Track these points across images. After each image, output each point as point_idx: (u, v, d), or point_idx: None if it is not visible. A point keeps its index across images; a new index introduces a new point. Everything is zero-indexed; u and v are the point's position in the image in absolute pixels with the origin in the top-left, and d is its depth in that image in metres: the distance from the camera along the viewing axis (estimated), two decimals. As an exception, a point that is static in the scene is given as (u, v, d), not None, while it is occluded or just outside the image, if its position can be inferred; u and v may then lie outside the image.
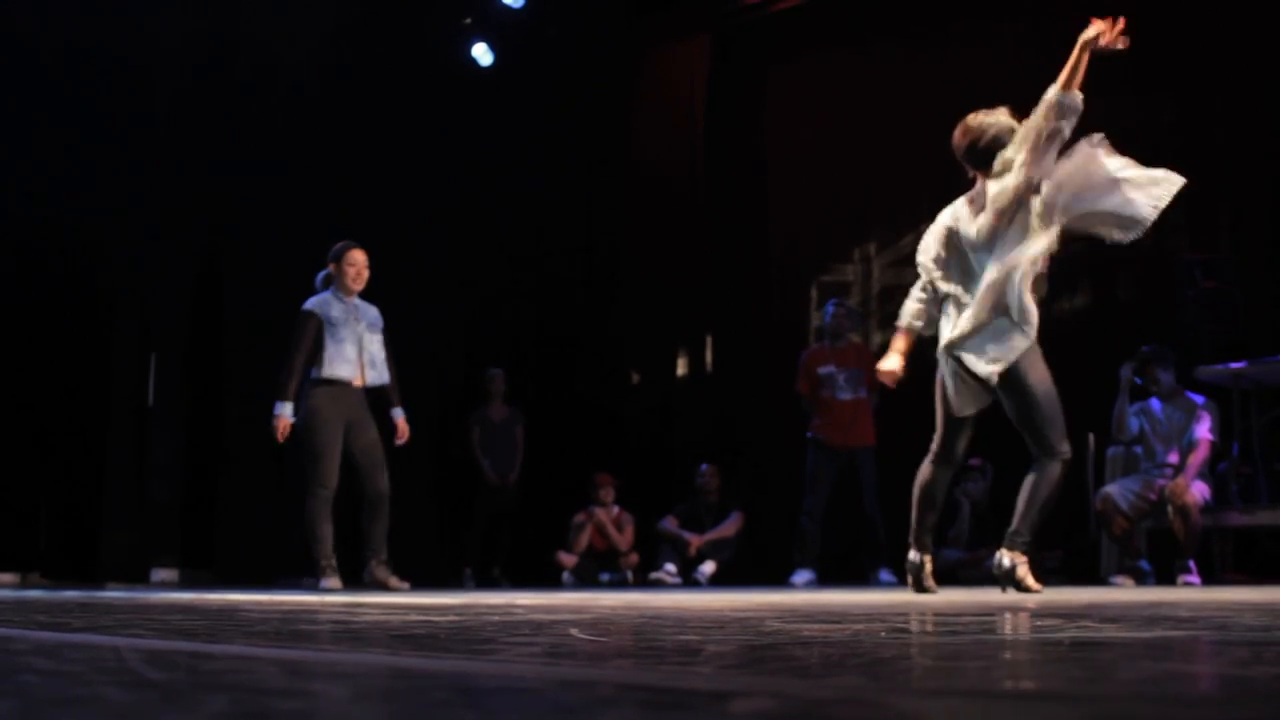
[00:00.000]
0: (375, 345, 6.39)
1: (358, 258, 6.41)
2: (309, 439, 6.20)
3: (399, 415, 6.54)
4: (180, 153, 8.63)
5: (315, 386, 6.22)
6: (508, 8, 9.92)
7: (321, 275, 6.50)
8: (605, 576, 8.97)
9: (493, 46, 10.19)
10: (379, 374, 6.39)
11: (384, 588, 6.11)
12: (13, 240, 8.20)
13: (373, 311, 6.48)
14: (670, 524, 8.88)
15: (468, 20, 10.12)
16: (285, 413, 6.16)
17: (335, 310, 6.31)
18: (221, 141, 8.80)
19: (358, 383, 6.31)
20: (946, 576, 7.65)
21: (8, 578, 7.96)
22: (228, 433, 8.80)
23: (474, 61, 10.17)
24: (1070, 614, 2.77)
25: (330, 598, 4.73)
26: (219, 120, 8.77)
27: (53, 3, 8.00)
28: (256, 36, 8.79)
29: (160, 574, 8.42)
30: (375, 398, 6.46)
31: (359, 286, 6.39)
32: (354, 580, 6.45)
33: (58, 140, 8.15)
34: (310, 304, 6.34)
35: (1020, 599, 4.14)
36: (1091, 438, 7.32)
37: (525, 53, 10.22)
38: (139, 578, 8.23)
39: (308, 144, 8.99)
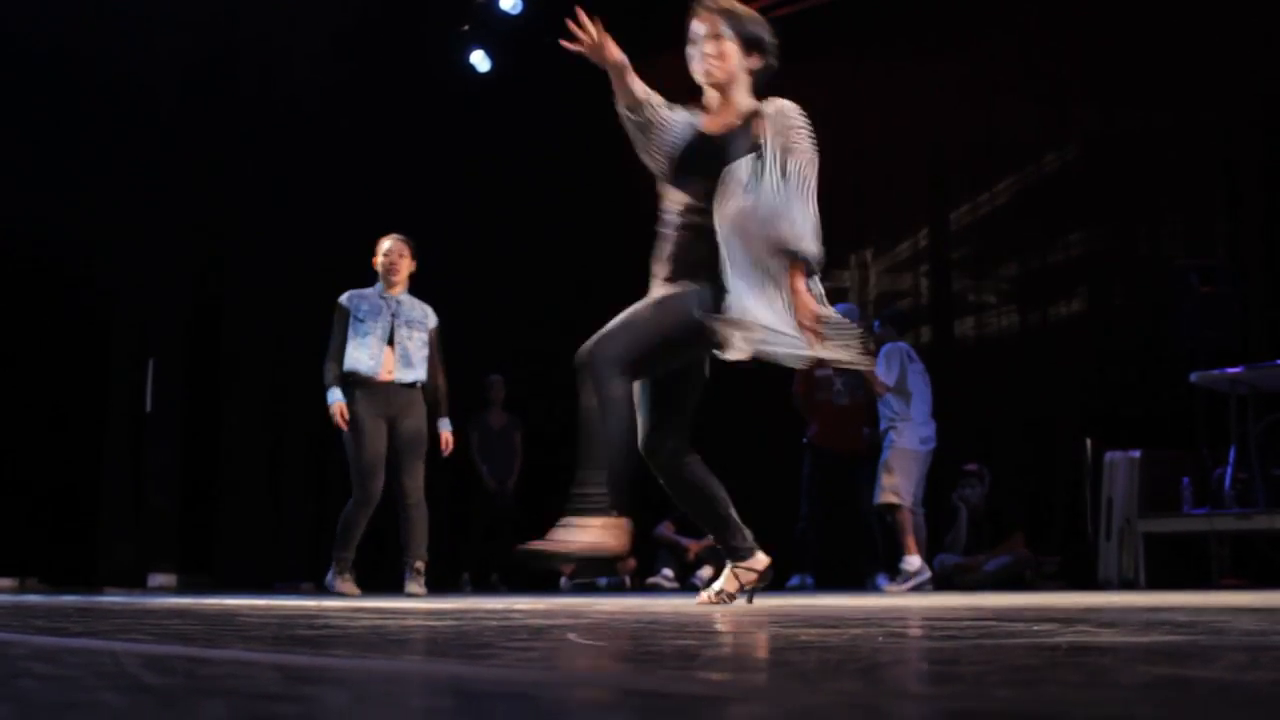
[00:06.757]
0: (413, 343, 6.20)
1: (382, 245, 6.31)
2: (347, 443, 6.10)
3: (445, 427, 6.40)
4: (179, 158, 8.65)
5: (344, 383, 6.09)
6: (505, 15, 9.93)
7: None
8: (603, 581, 8.97)
9: (490, 53, 10.19)
10: (414, 372, 6.18)
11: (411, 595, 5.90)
12: (10, 246, 8.20)
13: (419, 309, 6.32)
14: (667, 529, 8.88)
15: (465, 27, 10.13)
16: (333, 398, 6.03)
17: (366, 303, 6.18)
18: (220, 148, 8.81)
19: (382, 377, 6.10)
20: (943, 581, 7.65)
21: (6, 582, 7.95)
22: (226, 438, 8.80)
23: (472, 68, 10.18)
24: (1067, 618, 2.77)
25: (330, 601, 4.72)
26: (218, 127, 8.79)
27: (53, 11, 8.01)
28: (255, 44, 8.81)
29: (158, 579, 8.41)
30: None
31: (394, 278, 6.25)
32: (389, 586, 6.38)
33: (56, 145, 8.15)
34: (343, 296, 6.25)
35: (1013, 602, 4.13)
36: (1089, 442, 7.33)
37: (523, 59, 10.23)
38: (137, 582, 8.22)
39: (306, 151, 8.99)
